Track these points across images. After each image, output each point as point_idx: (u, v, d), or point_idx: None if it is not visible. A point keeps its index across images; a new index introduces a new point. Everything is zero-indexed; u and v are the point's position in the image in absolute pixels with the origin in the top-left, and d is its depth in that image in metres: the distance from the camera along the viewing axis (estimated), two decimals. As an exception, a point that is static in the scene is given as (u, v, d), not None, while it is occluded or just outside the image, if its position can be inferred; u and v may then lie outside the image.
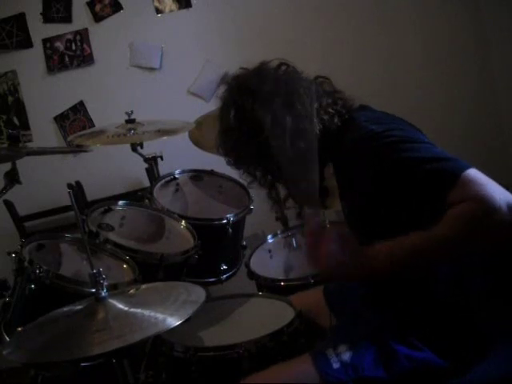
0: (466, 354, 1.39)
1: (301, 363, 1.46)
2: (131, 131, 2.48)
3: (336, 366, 1.39)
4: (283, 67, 1.58)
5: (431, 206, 1.26)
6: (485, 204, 1.19)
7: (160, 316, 1.38)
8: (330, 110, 1.52)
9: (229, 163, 1.64)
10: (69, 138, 2.86)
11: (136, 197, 2.62)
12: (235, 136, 1.54)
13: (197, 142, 2.67)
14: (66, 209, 3.01)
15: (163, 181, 2.56)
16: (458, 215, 1.22)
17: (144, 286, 1.68)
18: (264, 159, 1.53)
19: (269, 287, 2.16)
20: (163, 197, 2.47)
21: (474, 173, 1.24)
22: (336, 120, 1.51)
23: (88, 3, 3.17)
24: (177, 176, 2.60)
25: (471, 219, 1.21)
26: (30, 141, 3.21)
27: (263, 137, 1.48)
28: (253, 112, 1.50)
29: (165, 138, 2.43)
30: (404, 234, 1.31)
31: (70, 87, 3.21)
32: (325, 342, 1.51)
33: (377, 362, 1.39)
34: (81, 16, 3.17)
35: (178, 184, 2.58)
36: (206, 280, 2.38)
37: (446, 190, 1.24)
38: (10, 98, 3.19)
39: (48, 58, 3.18)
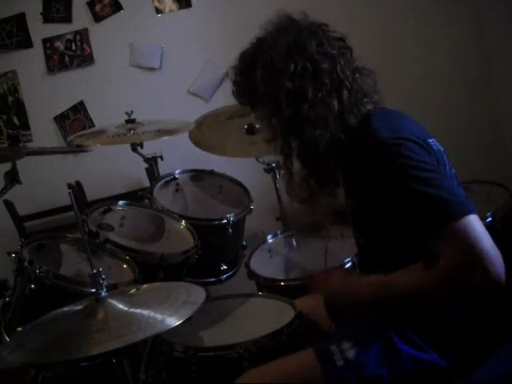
0: (470, 356, 1.39)
1: (304, 358, 1.46)
2: (131, 131, 2.48)
3: (340, 363, 1.39)
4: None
5: (420, 237, 1.30)
6: (465, 271, 1.21)
7: (159, 316, 1.38)
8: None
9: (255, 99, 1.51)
10: (69, 138, 2.86)
11: (136, 197, 2.62)
12: (291, 66, 1.42)
13: (197, 141, 2.67)
14: (66, 209, 3.00)
15: (163, 181, 2.56)
16: (441, 276, 1.24)
17: (144, 286, 1.68)
18: (312, 106, 1.42)
19: (269, 287, 2.16)
20: (163, 197, 2.47)
21: (466, 224, 1.22)
22: (361, 108, 1.47)
23: (88, 3, 3.17)
24: (177, 176, 2.60)
25: (452, 282, 1.24)
26: (30, 141, 3.21)
27: (320, 80, 1.42)
28: (315, 53, 1.43)
29: (165, 138, 2.43)
30: (404, 243, 1.37)
31: (69, 87, 3.21)
32: (328, 339, 1.51)
33: (381, 360, 1.38)
34: (81, 16, 3.17)
35: (178, 184, 2.58)
36: (206, 280, 2.38)
37: (432, 232, 1.26)
38: (10, 98, 3.18)
39: (48, 58, 3.18)
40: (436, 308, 1.41)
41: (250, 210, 2.54)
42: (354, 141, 1.44)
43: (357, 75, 1.48)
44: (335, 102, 1.42)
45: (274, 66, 1.44)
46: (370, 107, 1.48)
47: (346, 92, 1.44)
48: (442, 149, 1.44)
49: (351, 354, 1.40)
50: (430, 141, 1.42)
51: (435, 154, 1.39)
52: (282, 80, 1.43)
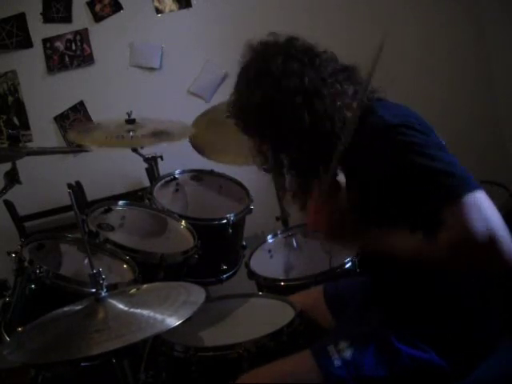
0: (469, 356, 1.39)
1: (302, 359, 1.46)
2: (130, 133, 2.47)
3: (337, 363, 1.39)
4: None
5: (428, 214, 1.26)
6: (473, 242, 1.17)
7: (159, 316, 1.38)
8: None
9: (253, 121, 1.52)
10: (68, 134, 2.85)
11: (136, 197, 2.62)
12: (281, 85, 1.44)
13: (196, 144, 2.67)
14: (66, 209, 3.00)
15: (163, 181, 2.56)
16: (448, 245, 1.21)
17: (144, 286, 1.68)
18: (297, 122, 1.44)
19: (269, 287, 2.16)
20: (163, 197, 2.47)
21: (474, 198, 1.21)
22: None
23: (88, 3, 3.17)
24: (177, 176, 2.60)
25: (459, 254, 1.21)
26: (30, 141, 3.21)
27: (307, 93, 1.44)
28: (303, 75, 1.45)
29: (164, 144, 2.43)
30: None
31: (70, 87, 3.21)
32: (326, 338, 1.51)
33: (378, 360, 1.38)
34: (81, 16, 3.17)
35: (178, 184, 2.58)
36: (206, 280, 2.38)
37: (443, 206, 1.22)
38: (10, 98, 3.18)
39: (48, 58, 3.18)
40: (434, 308, 1.41)
41: (250, 210, 2.54)
42: (358, 132, 1.42)
43: (330, 80, 1.47)
44: (306, 116, 1.43)
45: (246, 96, 1.48)
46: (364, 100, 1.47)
47: (318, 102, 1.44)
48: (444, 143, 1.44)
49: (348, 353, 1.40)
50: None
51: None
52: (255, 108, 1.47)
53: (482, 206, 1.20)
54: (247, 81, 1.50)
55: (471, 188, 1.22)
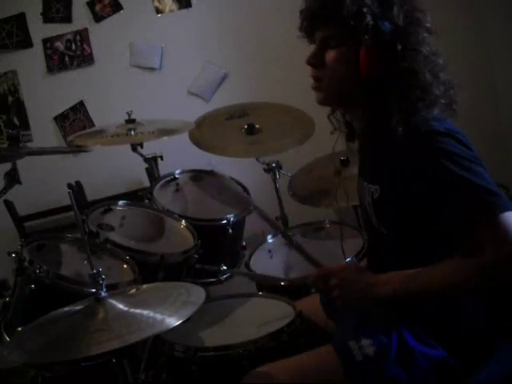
0: (475, 353, 1.39)
1: (324, 353, 1.47)
2: (131, 131, 2.48)
3: (359, 358, 1.40)
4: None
5: (464, 229, 1.29)
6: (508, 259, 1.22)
7: (159, 316, 1.38)
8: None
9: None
10: (69, 138, 2.86)
11: (136, 197, 2.62)
12: None
13: (197, 142, 2.67)
14: (66, 209, 3.00)
15: (163, 181, 2.56)
16: (477, 268, 1.26)
17: (144, 286, 1.68)
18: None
19: (269, 287, 2.16)
20: (163, 197, 2.46)
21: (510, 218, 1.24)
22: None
23: (88, 3, 3.17)
24: (177, 176, 2.60)
25: (487, 275, 1.25)
26: (29, 141, 3.21)
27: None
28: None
29: (165, 138, 2.43)
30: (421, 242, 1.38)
31: (70, 87, 3.21)
32: (345, 332, 1.50)
33: (398, 359, 1.39)
34: (81, 16, 3.17)
35: (178, 184, 2.58)
36: (206, 280, 2.38)
37: (477, 224, 1.26)
38: (10, 98, 3.19)
39: (48, 58, 3.18)
40: (447, 307, 1.41)
41: (250, 211, 2.54)
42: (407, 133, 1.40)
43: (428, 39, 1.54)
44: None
45: None
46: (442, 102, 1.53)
47: (414, 34, 1.51)
48: None
49: (371, 351, 1.40)
50: None
51: None
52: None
53: None
54: None
55: (506, 207, 1.25)
